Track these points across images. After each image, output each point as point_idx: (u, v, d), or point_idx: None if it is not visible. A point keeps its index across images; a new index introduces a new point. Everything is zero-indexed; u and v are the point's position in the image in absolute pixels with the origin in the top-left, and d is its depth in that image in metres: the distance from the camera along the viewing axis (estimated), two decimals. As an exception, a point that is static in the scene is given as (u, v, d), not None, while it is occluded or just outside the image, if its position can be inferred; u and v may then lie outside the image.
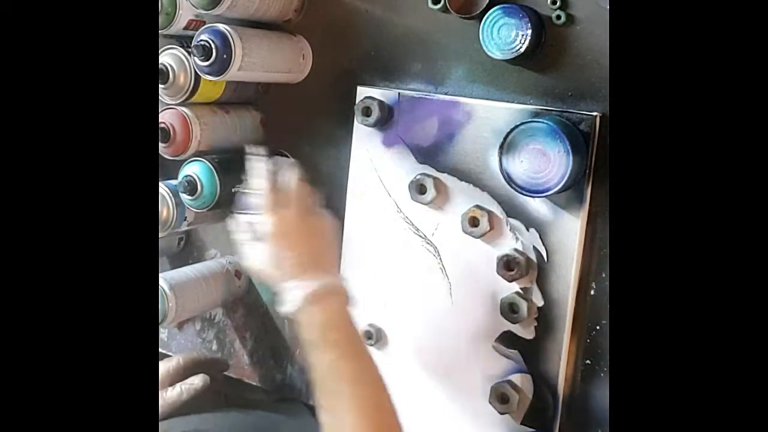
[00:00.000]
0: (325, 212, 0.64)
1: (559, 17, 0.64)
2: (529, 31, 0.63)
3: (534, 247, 0.65)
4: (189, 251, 0.85)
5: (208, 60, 0.67)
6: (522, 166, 0.62)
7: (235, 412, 0.72)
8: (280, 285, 0.58)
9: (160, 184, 0.75)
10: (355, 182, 0.73)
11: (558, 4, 0.63)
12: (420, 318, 0.71)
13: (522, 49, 0.63)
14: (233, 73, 0.68)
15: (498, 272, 0.66)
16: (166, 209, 0.75)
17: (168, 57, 0.71)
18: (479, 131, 0.67)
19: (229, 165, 0.73)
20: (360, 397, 0.56)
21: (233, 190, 0.73)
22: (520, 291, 0.66)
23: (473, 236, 0.67)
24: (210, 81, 0.71)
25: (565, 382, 0.66)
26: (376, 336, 0.72)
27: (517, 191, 0.62)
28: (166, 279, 0.75)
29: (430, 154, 0.69)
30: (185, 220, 0.77)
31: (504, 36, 0.64)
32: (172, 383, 0.70)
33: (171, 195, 0.75)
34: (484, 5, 0.65)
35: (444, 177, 0.69)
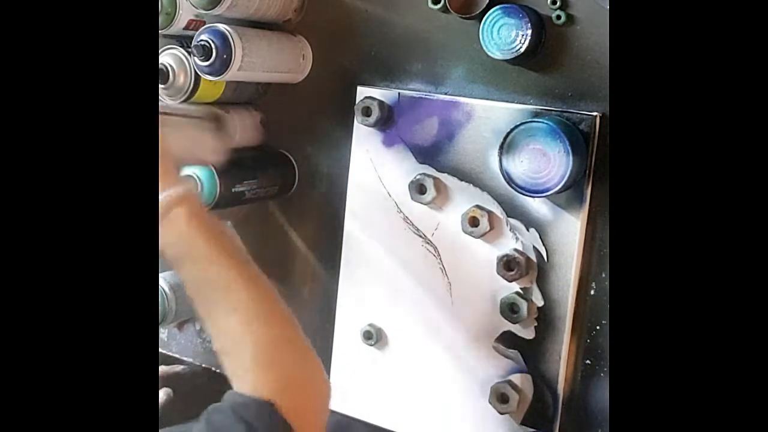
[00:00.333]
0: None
1: (559, 17, 0.64)
2: (529, 31, 0.63)
3: (534, 247, 0.65)
4: (189, 251, 0.85)
5: (208, 60, 0.67)
6: (522, 166, 0.62)
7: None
8: None
9: (160, 184, 0.75)
10: (355, 182, 0.73)
11: (558, 4, 0.63)
12: (420, 318, 0.71)
13: (522, 49, 0.63)
14: (233, 73, 0.68)
15: (498, 272, 0.66)
16: (166, 209, 0.75)
17: (168, 57, 0.71)
18: (479, 131, 0.67)
19: (229, 165, 0.73)
20: (237, 301, 0.54)
21: (233, 190, 0.73)
22: (520, 291, 0.66)
23: (473, 236, 0.67)
24: (210, 81, 0.71)
25: (565, 382, 0.66)
26: (376, 336, 0.72)
27: (517, 191, 0.62)
28: (166, 279, 0.75)
29: (430, 154, 0.69)
30: (185, 220, 0.76)
31: (504, 36, 0.64)
32: None
33: (171, 195, 0.75)
34: (484, 5, 0.65)
35: (444, 177, 0.69)
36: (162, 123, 0.54)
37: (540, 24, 0.64)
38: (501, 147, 0.62)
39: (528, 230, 0.65)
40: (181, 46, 0.72)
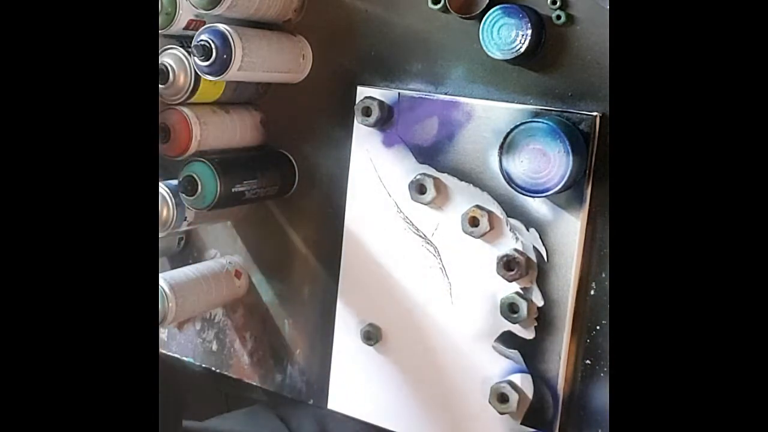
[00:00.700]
0: None
1: (559, 17, 0.64)
2: (529, 31, 0.63)
3: (534, 247, 0.65)
4: (189, 251, 0.85)
5: (208, 60, 0.67)
6: (522, 166, 0.62)
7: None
8: None
9: (160, 184, 0.75)
10: (355, 182, 0.73)
11: (558, 4, 0.63)
12: (420, 318, 0.71)
13: (522, 49, 0.63)
14: (233, 73, 0.68)
15: (498, 272, 0.66)
16: (166, 209, 0.75)
17: (168, 57, 0.71)
18: (479, 131, 0.67)
19: (229, 165, 0.73)
20: None
21: (233, 190, 0.73)
22: (520, 291, 0.66)
23: (473, 236, 0.67)
24: (210, 81, 0.71)
25: (565, 382, 0.66)
26: (375, 336, 0.72)
27: (517, 191, 0.62)
28: (166, 279, 0.75)
29: (430, 154, 0.69)
30: (185, 220, 0.77)
31: (504, 36, 0.64)
32: None
33: (171, 195, 0.75)
34: (484, 5, 0.65)
35: (444, 177, 0.69)
36: None
37: (540, 24, 0.64)
38: (501, 147, 0.62)
39: (528, 230, 0.66)
40: (181, 46, 0.72)
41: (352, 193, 0.73)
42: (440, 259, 0.69)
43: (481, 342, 0.68)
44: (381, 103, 0.70)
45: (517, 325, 0.66)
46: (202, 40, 0.67)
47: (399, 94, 0.70)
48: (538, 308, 0.66)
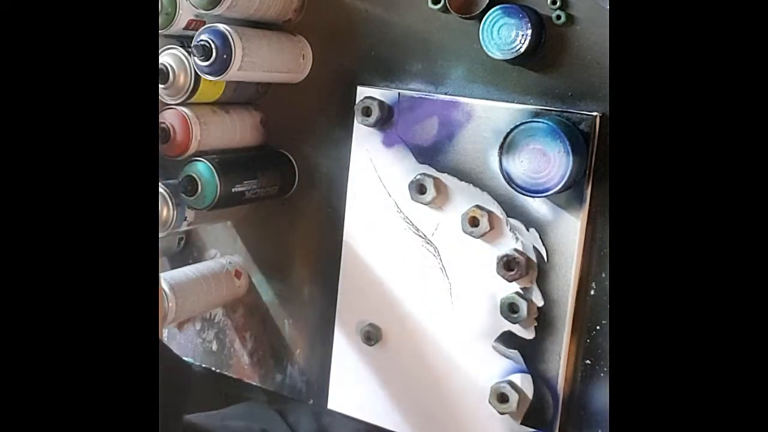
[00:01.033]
0: None
1: (559, 17, 0.64)
2: (529, 31, 0.63)
3: (534, 247, 0.65)
4: (189, 251, 0.85)
5: (208, 60, 0.67)
6: (522, 166, 0.62)
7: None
8: None
9: (160, 184, 0.75)
10: (355, 182, 0.73)
11: (558, 4, 0.63)
12: (420, 318, 0.71)
13: (522, 49, 0.63)
14: (233, 73, 0.68)
15: (498, 272, 0.66)
16: (166, 209, 0.75)
17: (168, 57, 0.71)
18: (479, 131, 0.67)
19: (229, 165, 0.73)
20: None
21: (233, 190, 0.73)
22: (520, 291, 0.66)
23: (473, 236, 0.67)
24: (210, 81, 0.71)
25: (565, 382, 0.66)
26: (375, 336, 0.72)
27: (517, 191, 0.62)
28: (166, 279, 0.75)
29: (430, 154, 0.69)
30: (185, 220, 0.77)
31: (504, 36, 0.64)
32: None
33: (171, 195, 0.75)
34: (484, 5, 0.65)
35: (444, 177, 0.69)
36: None
37: (540, 24, 0.64)
38: (501, 147, 0.62)
39: (528, 230, 0.66)
40: (181, 46, 0.72)
41: (352, 193, 0.74)
42: (440, 259, 0.69)
43: (481, 342, 0.68)
44: (381, 103, 0.70)
45: (517, 325, 0.66)
46: (202, 40, 0.67)
47: (399, 94, 0.70)
48: (538, 308, 0.66)
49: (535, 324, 0.66)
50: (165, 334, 0.87)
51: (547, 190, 0.61)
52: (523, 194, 0.62)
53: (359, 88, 0.72)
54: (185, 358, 0.86)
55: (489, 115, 0.66)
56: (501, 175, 0.62)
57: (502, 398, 0.66)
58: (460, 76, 0.69)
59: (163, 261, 0.85)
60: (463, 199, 0.68)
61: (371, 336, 0.73)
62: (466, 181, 0.68)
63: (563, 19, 0.64)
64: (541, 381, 0.66)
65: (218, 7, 0.67)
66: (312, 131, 0.77)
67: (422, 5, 0.69)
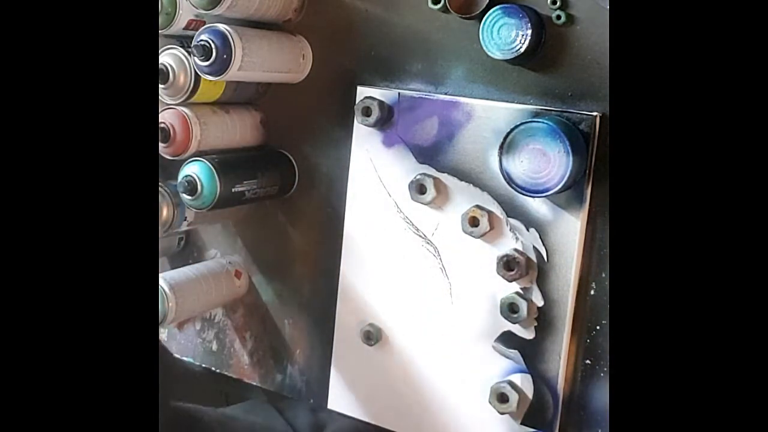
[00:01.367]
0: None
1: (559, 17, 0.64)
2: (529, 31, 0.63)
3: (534, 247, 0.65)
4: (189, 251, 0.85)
5: (208, 60, 0.67)
6: (522, 166, 0.62)
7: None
8: None
9: (160, 184, 0.75)
10: (355, 182, 0.73)
11: (558, 4, 0.63)
12: (420, 318, 0.71)
13: (522, 49, 0.63)
14: (233, 73, 0.68)
15: (498, 272, 0.66)
16: (166, 209, 0.75)
17: (168, 57, 0.71)
18: (479, 131, 0.67)
19: (229, 165, 0.73)
20: None
21: (233, 190, 0.73)
22: (520, 291, 0.66)
23: (473, 236, 0.67)
24: (210, 81, 0.71)
25: (565, 382, 0.66)
26: (375, 336, 0.72)
27: (517, 191, 0.62)
28: (166, 279, 0.75)
29: (430, 154, 0.69)
30: (185, 220, 0.77)
31: (504, 36, 0.64)
32: None
33: (171, 195, 0.75)
34: (484, 5, 0.65)
35: (444, 177, 0.69)
36: None
37: (540, 24, 0.64)
38: (501, 147, 0.62)
39: (528, 230, 0.66)
40: (181, 46, 0.72)
41: (352, 193, 0.73)
42: (440, 259, 0.69)
43: (481, 342, 0.68)
44: (381, 103, 0.70)
45: (517, 325, 0.66)
46: (202, 40, 0.67)
47: (399, 94, 0.70)
48: (538, 308, 0.66)
49: (535, 324, 0.66)
50: (165, 334, 0.87)
51: (547, 190, 0.61)
52: (523, 194, 0.62)
53: (359, 88, 0.72)
54: (185, 358, 0.86)
55: (489, 115, 0.66)
56: (501, 175, 0.62)
57: (502, 398, 0.66)
58: (460, 76, 0.69)
59: (163, 261, 0.85)
60: (463, 199, 0.68)
61: (371, 336, 0.73)
62: (466, 181, 0.68)
63: (563, 19, 0.63)
64: (541, 381, 0.66)
65: (218, 7, 0.67)
66: (312, 131, 0.77)
67: (422, 5, 0.69)
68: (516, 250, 0.66)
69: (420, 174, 0.69)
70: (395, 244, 0.71)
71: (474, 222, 0.67)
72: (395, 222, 0.71)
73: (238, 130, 0.77)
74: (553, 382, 0.66)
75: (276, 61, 0.72)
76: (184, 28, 0.72)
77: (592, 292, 0.65)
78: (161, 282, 0.74)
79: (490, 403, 0.67)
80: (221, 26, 0.68)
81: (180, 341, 0.86)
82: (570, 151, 0.60)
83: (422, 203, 0.69)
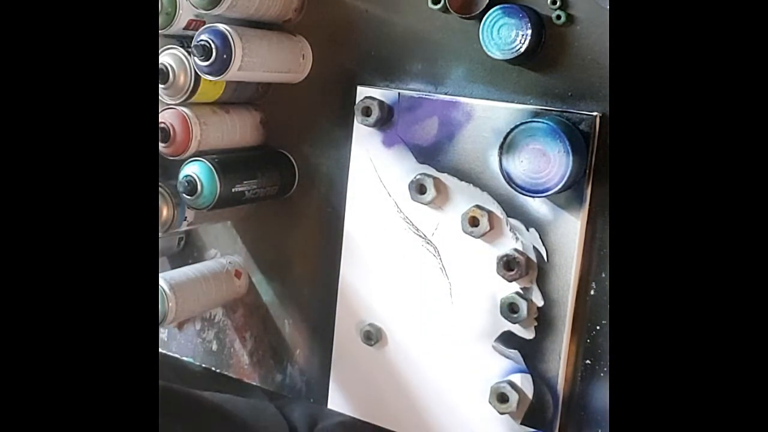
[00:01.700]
0: None
1: (559, 17, 0.64)
2: (529, 31, 0.63)
3: (534, 247, 0.65)
4: (189, 251, 0.85)
5: (208, 60, 0.67)
6: (522, 166, 0.62)
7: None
8: None
9: (160, 184, 0.75)
10: (355, 182, 0.73)
11: (558, 4, 0.63)
12: (420, 318, 0.71)
13: (522, 49, 0.63)
14: (233, 73, 0.68)
15: (498, 272, 0.66)
16: (166, 209, 0.75)
17: (168, 57, 0.71)
18: (479, 131, 0.67)
19: (229, 165, 0.73)
20: None
21: (233, 190, 0.73)
22: (520, 291, 0.66)
23: (473, 236, 0.67)
24: (210, 81, 0.71)
25: (565, 382, 0.66)
26: (375, 336, 0.72)
27: (517, 191, 0.62)
28: (166, 279, 0.75)
29: (430, 154, 0.69)
30: (185, 220, 0.77)
31: (504, 36, 0.64)
32: None
33: (171, 195, 0.75)
34: (484, 5, 0.65)
35: (444, 177, 0.69)
36: None
37: (540, 24, 0.64)
38: (501, 147, 0.62)
39: (528, 230, 0.66)
40: (181, 46, 0.72)
41: (352, 193, 0.74)
42: (440, 259, 0.69)
43: (481, 342, 0.68)
44: (381, 103, 0.70)
45: (517, 325, 0.66)
46: (202, 40, 0.67)
47: (399, 94, 0.70)
48: (538, 308, 0.66)
49: (535, 324, 0.66)
50: (165, 334, 0.87)
51: (547, 190, 0.61)
52: (523, 194, 0.62)
53: (359, 88, 0.72)
54: (185, 358, 0.86)
55: (489, 115, 0.66)
56: (501, 175, 0.62)
57: (502, 398, 0.66)
58: (460, 76, 0.69)
59: (163, 261, 0.85)
60: (463, 199, 0.68)
61: (371, 336, 0.73)
62: (466, 181, 0.68)
63: (563, 19, 0.64)
64: (541, 381, 0.66)
65: (218, 7, 0.67)
66: (312, 131, 0.77)
67: (422, 5, 0.69)
68: (516, 250, 0.66)
69: (420, 174, 0.69)
70: (395, 244, 0.71)
71: (474, 222, 0.67)
72: (395, 222, 0.71)
73: (238, 130, 0.77)
74: (553, 382, 0.66)
75: (276, 61, 0.72)
76: (184, 28, 0.72)
77: (592, 292, 0.65)
78: (161, 282, 0.74)
79: (490, 403, 0.67)
80: (221, 26, 0.68)
81: (180, 341, 0.86)
82: (570, 151, 0.60)
83: (422, 203, 0.69)
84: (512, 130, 0.62)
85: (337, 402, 0.76)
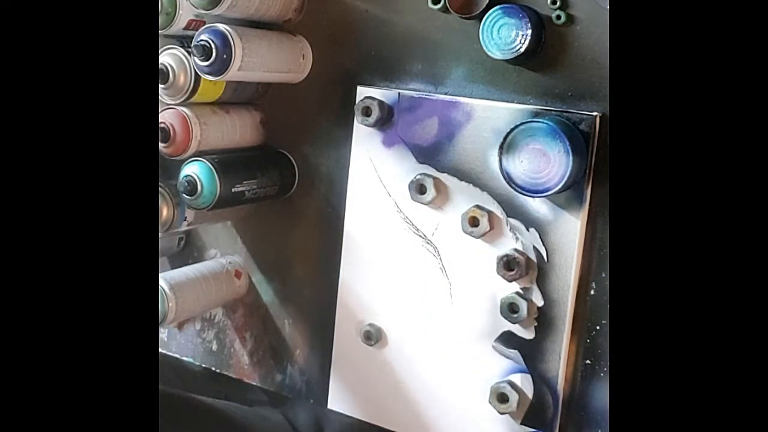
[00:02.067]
0: None
1: (559, 17, 0.64)
2: (529, 31, 0.63)
3: (534, 247, 0.65)
4: (189, 251, 0.85)
5: (208, 60, 0.67)
6: (522, 166, 0.62)
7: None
8: None
9: (160, 184, 0.75)
10: (355, 182, 0.73)
11: (558, 4, 0.63)
12: (420, 318, 0.71)
13: (522, 49, 0.63)
14: (233, 73, 0.68)
15: (498, 272, 0.66)
16: (166, 209, 0.75)
17: (168, 57, 0.71)
18: (479, 131, 0.67)
19: (229, 165, 0.73)
20: None
21: (233, 190, 0.73)
22: (520, 291, 0.66)
23: (473, 236, 0.67)
24: (210, 81, 0.71)
25: (565, 382, 0.66)
26: (375, 336, 0.72)
27: (517, 191, 0.62)
28: (166, 279, 0.75)
29: (430, 154, 0.69)
30: (185, 220, 0.77)
31: (504, 36, 0.64)
32: None
33: (171, 195, 0.75)
34: (484, 5, 0.65)
35: (444, 177, 0.69)
36: None
37: (540, 24, 0.64)
38: (501, 147, 0.62)
39: (528, 230, 0.66)
40: (181, 46, 0.72)
41: (352, 193, 0.74)
42: (440, 259, 0.69)
43: (481, 342, 0.68)
44: (381, 103, 0.70)
45: (517, 325, 0.66)
46: (202, 40, 0.67)
47: (399, 94, 0.70)
48: (538, 308, 0.66)
49: (535, 324, 0.66)
50: (165, 334, 0.87)
51: (547, 190, 0.61)
52: (523, 194, 0.62)
53: (359, 88, 0.72)
54: (185, 358, 0.86)
55: (489, 115, 0.66)
56: (501, 175, 0.62)
57: (502, 398, 0.66)
58: (460, 76, 0.69)
59: (163, 261, 0.85)
60: (463, 199, 0.68)
61: (371, 336, 0.73)
62: (466, 181, 0.68)
63: (563, 19, 0.64)
64: (541, 381, 0.66)
65: (218, 7, 0.67)
66: (312, 131, 0.77)
67: (422, 5, 0.69)
68: (516, 250, 0.66)
69: (420, 174, 0.69)
70: (395, 244, 0.71)
71: (474, 222, 0.67)
72: (395, 222, 0.71)
73: (238, 130, 0.77)
74: (553, 382, 0.66)
75: (276, 61, 0.72)
76: (184, 28, 0.72)
77: (592, 292, 0.65)
78: (161, 282, 0.74)
79: (490, 403, 0.67)
80: (221, 26, 0.68)
81: (180, 341, 0.86)
82: (570, 151, 0.60)
83: (422, 203, 0.69)
84: (512, 130, 0.62)
85: (337, 402, 0.76)
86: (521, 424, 0.67)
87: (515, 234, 0.66)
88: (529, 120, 0.62)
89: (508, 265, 0.65)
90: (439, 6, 0.68)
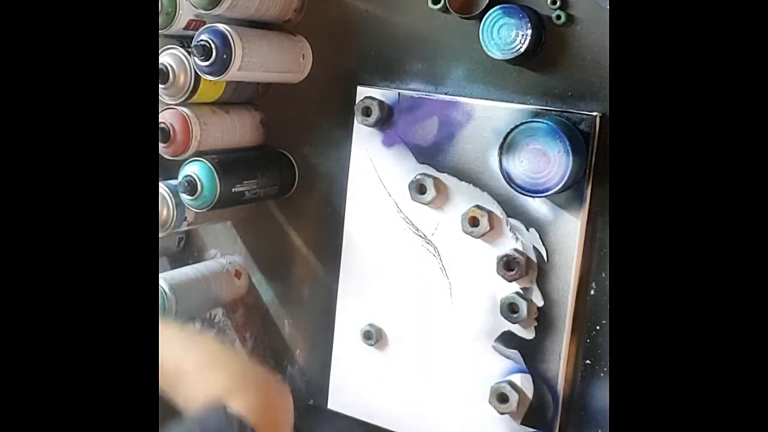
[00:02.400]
0: None
1: (559, 17, 0.64)
2: (529, 31, 0.63)
3: (534, 247, 0.65)
4: (189, 251, 0.85)
5: (208, 60, 0.67)
6: (522, 166, 0.62)
7: None
8: None
9: (160, 184, 0.75)
10: (355, 182, 0.73)
11: (558, 4, 0.63)
12: (420, 318, 0.71)
13: (522, 49, 0.63)
14: (233, 73, 0.68)
15: (498, 272, 0.66)
16: (166, 209, 0.75)
17: (168, 57, 0.71)
18: (479, 131, 0.67)
19: (229, 165, 0.73)
20: None
21: (233, 190, 0.73)
22: (520, 291, 0.66)
23: (473, 236, 0.67)
24: (210, 81, 0.71)
25: (565, 382, 0.66)
26: (376, 336, 0.72)
27: (517, 191, 0.62)
28: (166, 279, 0.75)
29: (430, 154, 0.69)
30: (185, 220, 0.77)
31: (504, 36, 0.64)
32: None
33: (171, 195, 0.75)
34: (484, 5, 0.65)
35: (444, 177, 0.69)
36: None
37: (540, 24, 0.64)
38: (501, 147, 0.62)
39: (528, 230, 0.65)
40: (181, 46, 0.72)
41: (352, 193, 0.73)
42: (440, 259, 0.69)
43: (481, 342, 0.68)
44: (381, 103, 0.70)
45: (517, 325, 0.66)
46: (202, 40, 0.67)
47: (399, 94, 0.70)
48: (538, 308, 0.66)
49: (535, 324, 0.66)
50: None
51: (547, 190, 0.61)
52: (523, 194, 0.62)
53: (359, 88, 0.72)
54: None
55: (489, 115, 0.66)
56: (501, 175, 0.62)
57: (502, 398, 0.66)
58: (460, 76, 0.69)
59: (163, 261, 0.85)
60: (463, 199, 0.68)
61: (371, 336, 0.73)
62: (466, 181, 0.68)
63: (563, 19, 0.64)
64: (541, 381, 0.66)
65: (218, 7, 0.67)
66: (312, 131, 0.77)
67: (422, 5, 0.69)
68: (516, 250, 0.66)
69: (420, 174, 0.69)
70: (395, 244, 0.71)
71: (474, 222, 0.67)
72: (395, 222, 0.71)
73: (238, 130, 0.77)
74: (553, 382, 0.66)
75: (276, 61, 0.72)
76: (184, 28, 0.72)
77: (592, 292, 0.65)
78: (161, 282, 0.74)
79: (490, 403, 0.67)
80: (221, 26, 0.68)
81: (180, 341, 0.86)
82: (570, 151, 0.60)
83: (422, 203, 0.69)
84: (512, 130, 0.62)
85: (337, 402, 0.76)
86: (521, 424, 0.67)
87: (515, 234, 0.66)
88: (529, 120, 0.62)
89: (508, 265, 0.65)
90: (439, 6, 0.68)
